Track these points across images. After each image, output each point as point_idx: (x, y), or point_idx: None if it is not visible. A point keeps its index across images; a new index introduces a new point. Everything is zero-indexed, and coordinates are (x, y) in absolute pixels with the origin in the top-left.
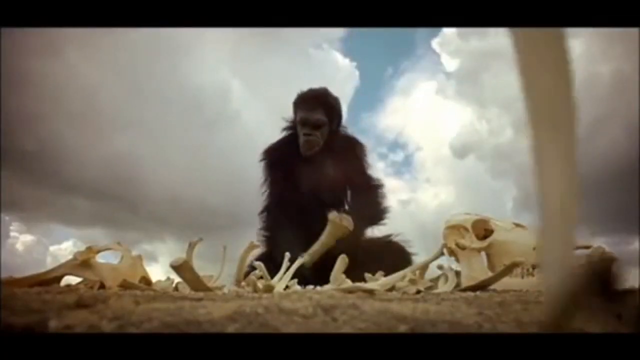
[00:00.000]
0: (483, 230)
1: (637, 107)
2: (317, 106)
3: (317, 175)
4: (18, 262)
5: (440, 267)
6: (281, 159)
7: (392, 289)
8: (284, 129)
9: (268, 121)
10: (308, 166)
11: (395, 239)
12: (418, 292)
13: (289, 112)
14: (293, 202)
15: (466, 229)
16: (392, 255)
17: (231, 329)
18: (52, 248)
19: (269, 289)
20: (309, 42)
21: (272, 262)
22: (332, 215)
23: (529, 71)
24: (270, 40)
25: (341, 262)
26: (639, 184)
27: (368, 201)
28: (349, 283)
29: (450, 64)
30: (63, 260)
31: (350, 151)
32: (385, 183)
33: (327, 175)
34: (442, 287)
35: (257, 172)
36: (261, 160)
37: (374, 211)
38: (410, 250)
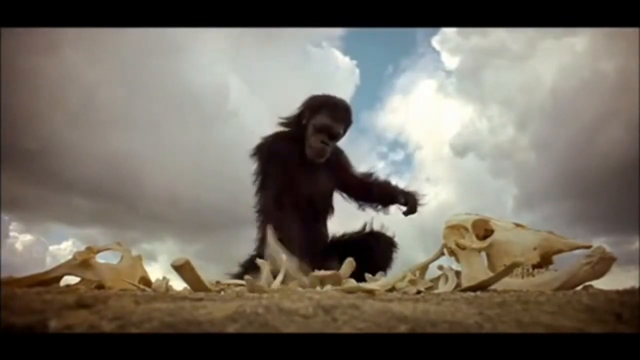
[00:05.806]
0: (483, 230)
1: (637, 106)
2: (343, 120)
3: (312, 179)
4: (18, 262)
5: (440, 267)
6: (281, 158)
7: (392, 289)
8: (282, 123)
9: (267, 120)
10: (306, 169)
11: (370, 227)
12: (418, 292)
13: (288, 111)
14: (289, 202)
15: (466, 229)
16: (377, 244)
17: (231, 329)
18: (51, 248)
19: (260, 290)
20: (309, 41)
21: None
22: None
23: None
24: (270, 38)
25: (348, 265)
26: (639, 183)
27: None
28: (350, 284)
29: (451, 62)
30: (63, 260)
31: (337, 159)
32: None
33: (322, 180)
34: (442, 287)
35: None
36: (255, 155)
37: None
38: (389, 233)
